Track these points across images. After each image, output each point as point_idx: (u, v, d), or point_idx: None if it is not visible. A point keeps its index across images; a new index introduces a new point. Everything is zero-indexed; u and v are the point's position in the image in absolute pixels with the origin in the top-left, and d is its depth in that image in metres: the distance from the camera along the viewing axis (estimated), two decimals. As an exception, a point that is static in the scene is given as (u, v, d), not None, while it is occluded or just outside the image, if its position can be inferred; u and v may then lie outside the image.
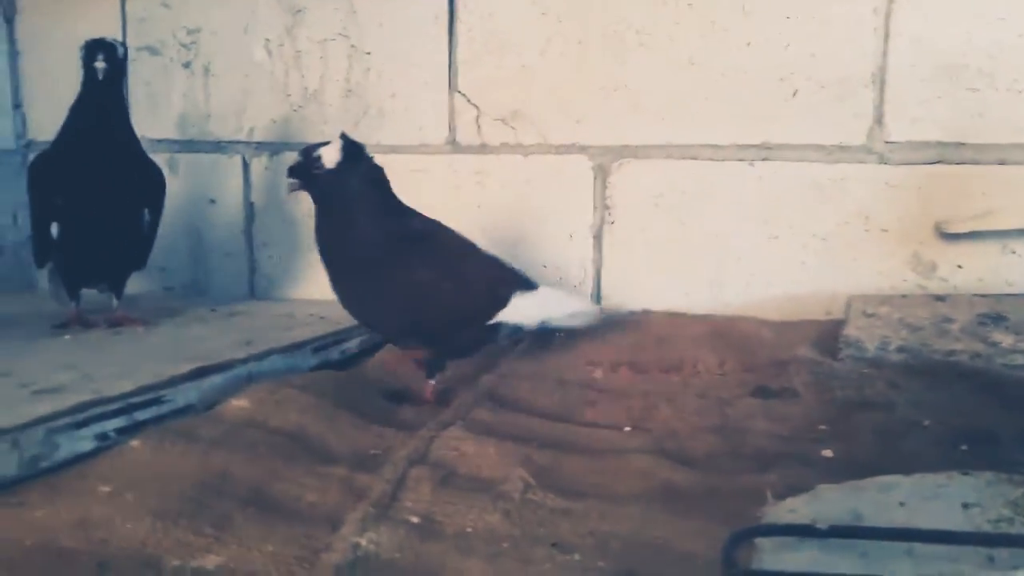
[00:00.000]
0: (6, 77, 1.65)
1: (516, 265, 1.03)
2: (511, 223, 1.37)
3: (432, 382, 0.99)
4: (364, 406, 0.93)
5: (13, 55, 1.65)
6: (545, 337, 1.18)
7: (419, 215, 0.97)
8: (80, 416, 0.78)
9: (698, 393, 1.00)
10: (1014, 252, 1.13)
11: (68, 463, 0.75)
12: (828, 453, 0.80)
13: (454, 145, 1.40)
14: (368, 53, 1.43)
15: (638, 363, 1.09)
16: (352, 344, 1.17)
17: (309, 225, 0.96)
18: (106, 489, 0.68)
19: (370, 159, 0.94)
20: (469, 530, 0.64)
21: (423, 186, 1.38)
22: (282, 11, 1.47)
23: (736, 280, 1.27)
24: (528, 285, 1.00)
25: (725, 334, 1.15)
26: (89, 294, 1.23)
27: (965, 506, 0.54)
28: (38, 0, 1.63)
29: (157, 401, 0.86)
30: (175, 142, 1.56)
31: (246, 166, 1.53)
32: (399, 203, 0.95)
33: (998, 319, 1.06)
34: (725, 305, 1.27)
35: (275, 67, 1.48)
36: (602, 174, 1.33)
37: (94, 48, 1.13)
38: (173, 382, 0.89)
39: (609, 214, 1.33)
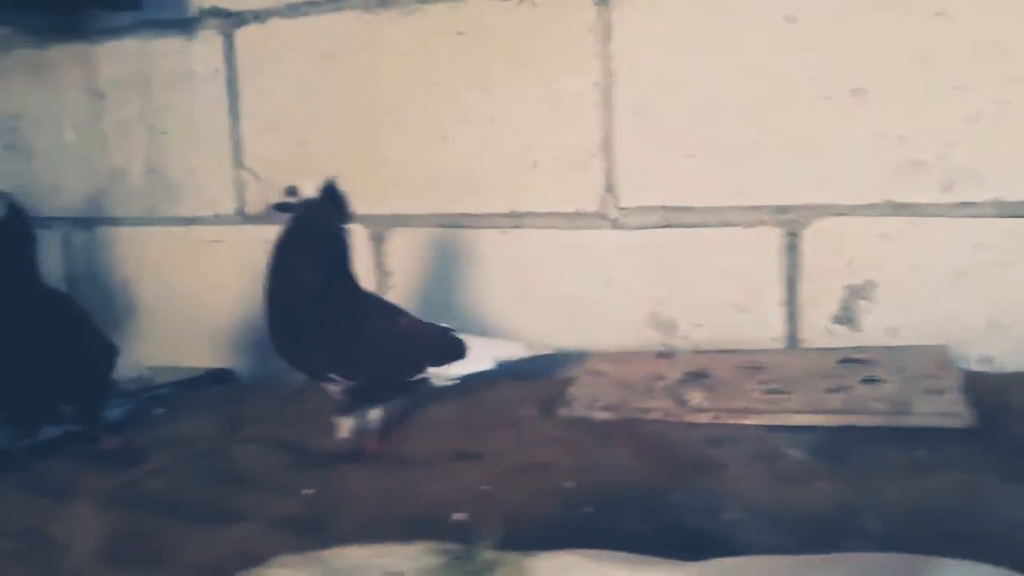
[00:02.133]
0: None
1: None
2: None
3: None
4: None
5: None
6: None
7: None
8: None
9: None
10: (744, 311, 1.21)
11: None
12: (460, 516, 0.86)
13: (244, 217, 1.47)
14: (165, 133, 1.51)
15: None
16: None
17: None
18: None
19: None
20: None
21: (219, 255, 1.47)
22: (86, 97, 1.55)
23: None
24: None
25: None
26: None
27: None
28: None
29: None
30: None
31: (65, 241, 1.61)
32: None
33: (700, 376, 1.13)
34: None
35: (84, 148, 1.57)
36: (379, 241, 1.40)
37: None
38: None
39: (388, 279, 1.40)
